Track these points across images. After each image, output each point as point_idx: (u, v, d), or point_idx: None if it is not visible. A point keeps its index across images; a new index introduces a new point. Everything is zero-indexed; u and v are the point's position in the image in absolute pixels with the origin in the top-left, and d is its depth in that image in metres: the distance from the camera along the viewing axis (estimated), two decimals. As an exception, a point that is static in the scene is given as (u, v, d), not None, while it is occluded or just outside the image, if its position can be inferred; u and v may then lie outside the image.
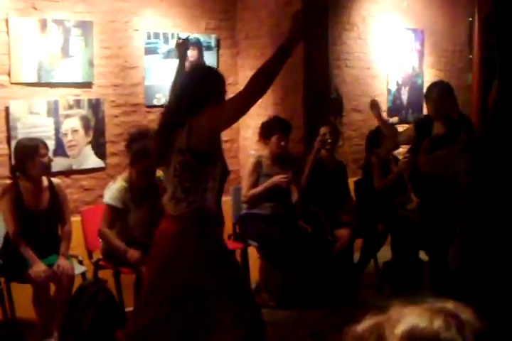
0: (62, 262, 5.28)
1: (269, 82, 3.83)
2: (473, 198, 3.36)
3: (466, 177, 3.41)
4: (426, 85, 8.96)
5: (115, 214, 5.47)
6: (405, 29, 9.01)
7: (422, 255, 6.63)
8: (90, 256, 5.79)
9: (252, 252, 6.35)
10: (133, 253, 5.29)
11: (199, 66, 4.29)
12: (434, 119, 6.12)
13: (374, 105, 6.66)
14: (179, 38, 4.85)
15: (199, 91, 4.04)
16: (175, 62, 6.64)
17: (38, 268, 5.15)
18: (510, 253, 3.23)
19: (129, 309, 5.34)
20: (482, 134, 3.49)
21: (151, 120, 6.64)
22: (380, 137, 6.71)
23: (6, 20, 5.78)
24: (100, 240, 5.58)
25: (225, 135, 6.78)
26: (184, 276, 4.04)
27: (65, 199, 5.58)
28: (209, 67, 4.21)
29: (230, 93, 6.92)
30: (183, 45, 5.02)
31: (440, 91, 6.09)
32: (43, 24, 5.98)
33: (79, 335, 5.17)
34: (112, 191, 5.49)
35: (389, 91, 8.71)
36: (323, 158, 6.65)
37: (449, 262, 3.53)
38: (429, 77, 9.35)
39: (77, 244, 5.67)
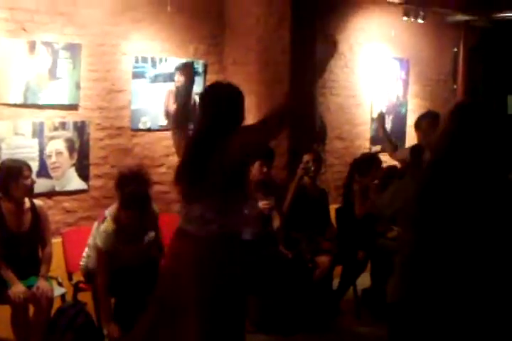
0: (41, 284, 5.28)
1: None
2: (422, 229, 3.39)
3: (413, 208, 3.43)
4: (409, 114, 9.09)
5: (108, 257, 5.43)
6: (391, 58, 9.11)
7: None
8: (70, 278, 5.81)
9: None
10: (112, 330, 5.28)
11: (224, 86, 4.24)
12: (424, 149, 6.18)
13: (380, 118, 6.75)
14: (185, 63, 4.87)
15: (233, 113, 4.04)
16: (162, 87, 6.77)
17: (17, 289, 5.16)
18: (458, 283, 3.27)
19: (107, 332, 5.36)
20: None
21: (136, 143, 6.70)
22: (369, 165, 6.76)
23: (-6, 42, 5.83)
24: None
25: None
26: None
27: (47, 220, 5.59)
28: (234, 86, 4.18)
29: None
30: (189, 69, 5.01)
31: (430, 121, 6.16)
32: (32, 46, 6.02)
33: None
34: (103, 235, 5.43)
35: (372, 120, 8.77)
36: (305, 185, 6.69)
37: (387, 295, 3.56)
38: (413, 106, 9.44)
39: (57, 265, 5.67)
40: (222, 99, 4.07)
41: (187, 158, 4.13)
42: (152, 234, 5.66)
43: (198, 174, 3.99)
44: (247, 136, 3.95)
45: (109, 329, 5.26)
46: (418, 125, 6.31)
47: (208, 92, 4.26)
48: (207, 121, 4.06)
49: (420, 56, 9.51)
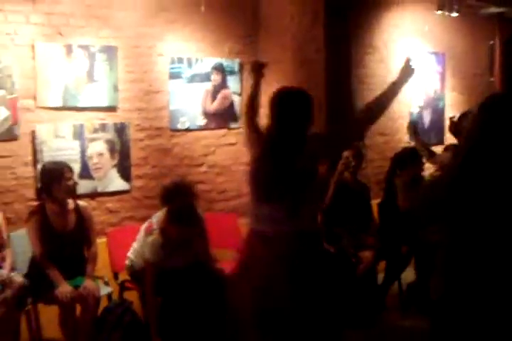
0: (88, 283, 5.32)
1: (382, 111, 4.16)
2: (458, 221, 3.37)
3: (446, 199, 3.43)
4: (447, 108, 9.02)
5: (155, 268, 5.44)
6: (427, 52, 9.06)
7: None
8: (116, 277, 5.85)
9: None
10: None
11: (296, 91, 4.35)
12: None
13: (411, 127, 6.71)
14: (256, 62, 4.91)
15: (306, 116, 4.16)
16: (198, 86, 6.79)
17: (64, 289, 5.19)
18: (497, 279, 3.24)
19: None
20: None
21: (175, 143, 6.73)
22: (407, 159, 6.71)
23: (33, 46, 5.89)
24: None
25: (247, 157, 6.84)
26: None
27: (91, 220, 5.63)
28: (304, 92, 4.30)
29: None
30: (259, 69, 5.02)
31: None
32: (69, 49, 6.08)
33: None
34: (150, 247, 5.44)
35: (411, 114, 8.74)
36: (346, 180, 6.66)
37: (431, 290, 3.55)
38: (450, 100, 9.38)
39: (102, 265, 5.72)
40: (298, 102, 4.19)
41: (264, 159, 4.17)
42: (199, 240, 5.66)
43: (278, 176, 4.04)
44: (331, 139, 4.15)
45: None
46: (459, 127, 6.23)
47: (284, 97, 4.30)
48: (283, 124, 4.13)
49: (456, 50, 9.45)
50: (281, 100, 4.24)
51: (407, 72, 4.14)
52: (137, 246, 5.66)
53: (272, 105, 4.24)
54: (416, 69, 4.14)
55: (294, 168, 4.02)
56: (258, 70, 4.81)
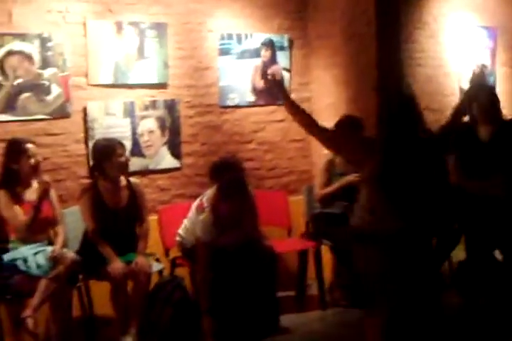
0: (139, 260, 5.36)
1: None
2: None
3: None
4: (499, 83, 8.88)
5: (207, 247, 5.50)
6: (478, 27, 8.91)
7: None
8: (167, 254, 5.89)
9: (326, 251, 6.36)
10: None
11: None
12: (480, 124, 6.02)
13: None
14: (269, 76, 4.81)
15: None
16: (248, 63, 6.77)
17: (116, 265, 5.25)
18: None
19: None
20: None
21: (225, 120, 6.73)
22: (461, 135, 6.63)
23: (84, 24, 5.91)
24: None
25: (297, 134, 6.85)
26: None
27: (143, 197, 5.68)
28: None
29: (302, 92, 7.04)
30: (279, 85, 4.85)
31: (489, 94, 6.01)
32: (119, 26, 6.09)
33: (156, 332, 5.26)
34: (202, 225, 5.53)
35: (461, 89, 8.62)
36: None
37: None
38: (501, 75, 9.22)
39: (154, 242, 5.76)
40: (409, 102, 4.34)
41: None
42: (249, 218, 5.67)
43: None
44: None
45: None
46: (474, 98, 6.11)
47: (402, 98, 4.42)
48: (396, 124, 4.24)
49: (508, 24, 9.27)
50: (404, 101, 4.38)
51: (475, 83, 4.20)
52: (188, 224, 5.70)
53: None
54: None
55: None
56: (279, 87, 4.74)
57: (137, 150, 6.22)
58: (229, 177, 5.55)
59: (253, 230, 5.67)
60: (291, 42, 7.10)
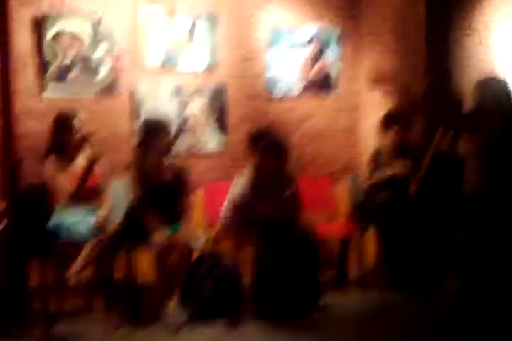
0: (183, 232, 5.40)
1: None
2: None
3: None
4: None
5: (241, 209, 5.53)
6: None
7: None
8: (210, 230, 5.89)
9: (368, 236, 6.33)
10: None
11: None
12: None
13: None
14: None
15: None
16: (297, 54, 6.81)
17: (160, 235, 5.28)
18: None
19: (246, 281, 5.42)
20: None
21: (271, 109, 6.77)
22: None
23: (136, 7, 6.05)
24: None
25: (344, 124, 6.86)
26: None
27: (187, 176, 5.70)
28: None
29: (352, 86, 7.06)
30: None
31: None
32: (171, 12, 6.22)
33: (197, 302, 5.25)
34: (238, 186, 5.58)
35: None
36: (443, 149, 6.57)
37: None
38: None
39: (198, 218, 5.82)
40: None
41: None
42: (289, 192, 5.67)
43: None
44: None
45: None
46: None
47: None
48: None
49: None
50: None
51: None
52: (229, 196, 5.71)
53: None
54: None
55: None
56: None
57: (183, 131, 6.31)
58: (267, 140, 5.57)
59: (295, 211, 5.66)
60: (341, 36, 7.13)
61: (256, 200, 5.51)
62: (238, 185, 5.57)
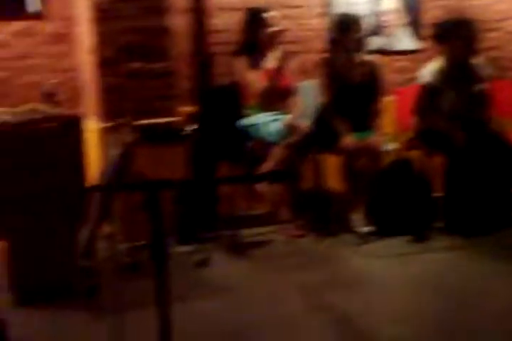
0: (373, 137, 5.31)
1: None
2: None
3: None
4: None
5: (430, 94, 5.33)
6: None
7: None
8: (401, 136, 5.73)
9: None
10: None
11: None
12: None
13: None
14: None
15: None
16: None
17: (349, 139, 5.21)
18: None
19: (437, 194, 5.27)
20: None
21: (468, 5, 6.36)
22: None
23: None
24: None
25: None
26: None
27: (380, 76, 5.53)
28: None
29: None
30: None
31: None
32: None
33: (384, 212, 5.20)
34: (427, 70, 5.39)
35: None
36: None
37: None
38: None
39: (390, 123, 5.67)
40: None
41: None
42: (480, 87, 5.42)
43: None
44: None
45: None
46: None
47: None
48: None
49: None
50: None
51: None
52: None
53: None
54: None
55: None
56: None
57: (376, 29, 6.12)
58: (448, 23, 5.37)
59: (479, 105, 5.43)
60: None
61: (443, 89, 5.33)
62: (426, 69, 5.40)
